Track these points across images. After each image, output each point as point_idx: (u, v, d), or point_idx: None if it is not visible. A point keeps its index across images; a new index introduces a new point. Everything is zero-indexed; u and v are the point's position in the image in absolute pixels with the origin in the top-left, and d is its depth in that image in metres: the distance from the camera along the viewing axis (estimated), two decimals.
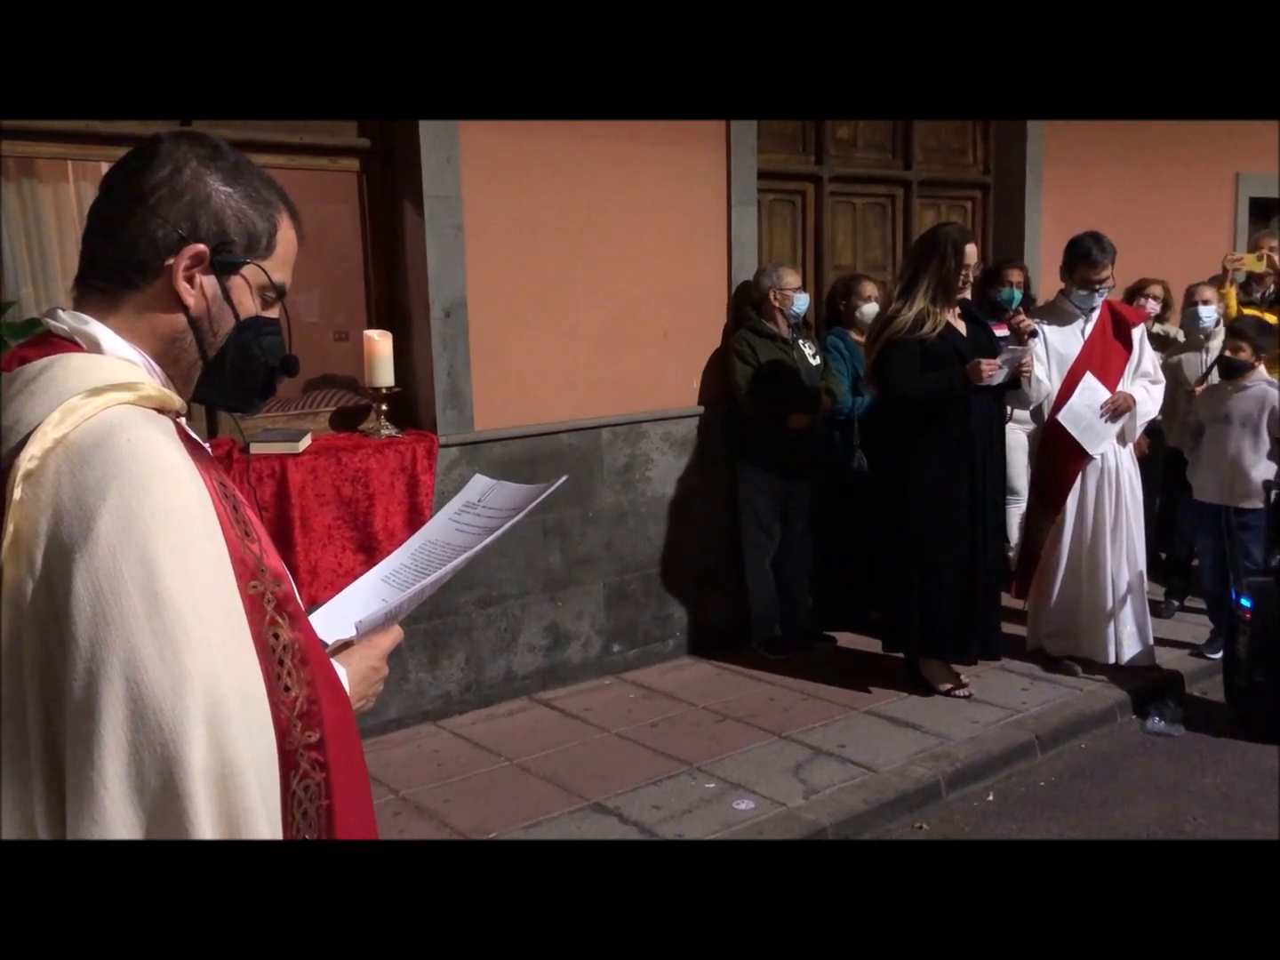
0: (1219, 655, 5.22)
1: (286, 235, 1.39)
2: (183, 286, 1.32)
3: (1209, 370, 5.75)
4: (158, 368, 1.34)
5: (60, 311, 1.33)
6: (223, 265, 1.33)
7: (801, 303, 5.39)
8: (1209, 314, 5.96)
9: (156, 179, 1.30)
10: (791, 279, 5.41)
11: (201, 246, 1.31)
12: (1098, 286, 5.07)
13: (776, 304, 5.36)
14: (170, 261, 1.31)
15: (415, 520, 4.44)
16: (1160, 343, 6.17)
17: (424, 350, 4.73)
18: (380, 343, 4.52)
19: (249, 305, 1.37)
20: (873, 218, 6.57)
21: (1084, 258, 5.05)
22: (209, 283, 1.33)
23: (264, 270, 1.37)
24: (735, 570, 5.60)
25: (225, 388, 1.41)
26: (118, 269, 1.31)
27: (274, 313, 1.42)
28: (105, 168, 1.40)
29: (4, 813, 1.15)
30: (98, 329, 1.30)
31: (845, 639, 5.74)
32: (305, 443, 4.33)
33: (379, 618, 1.53)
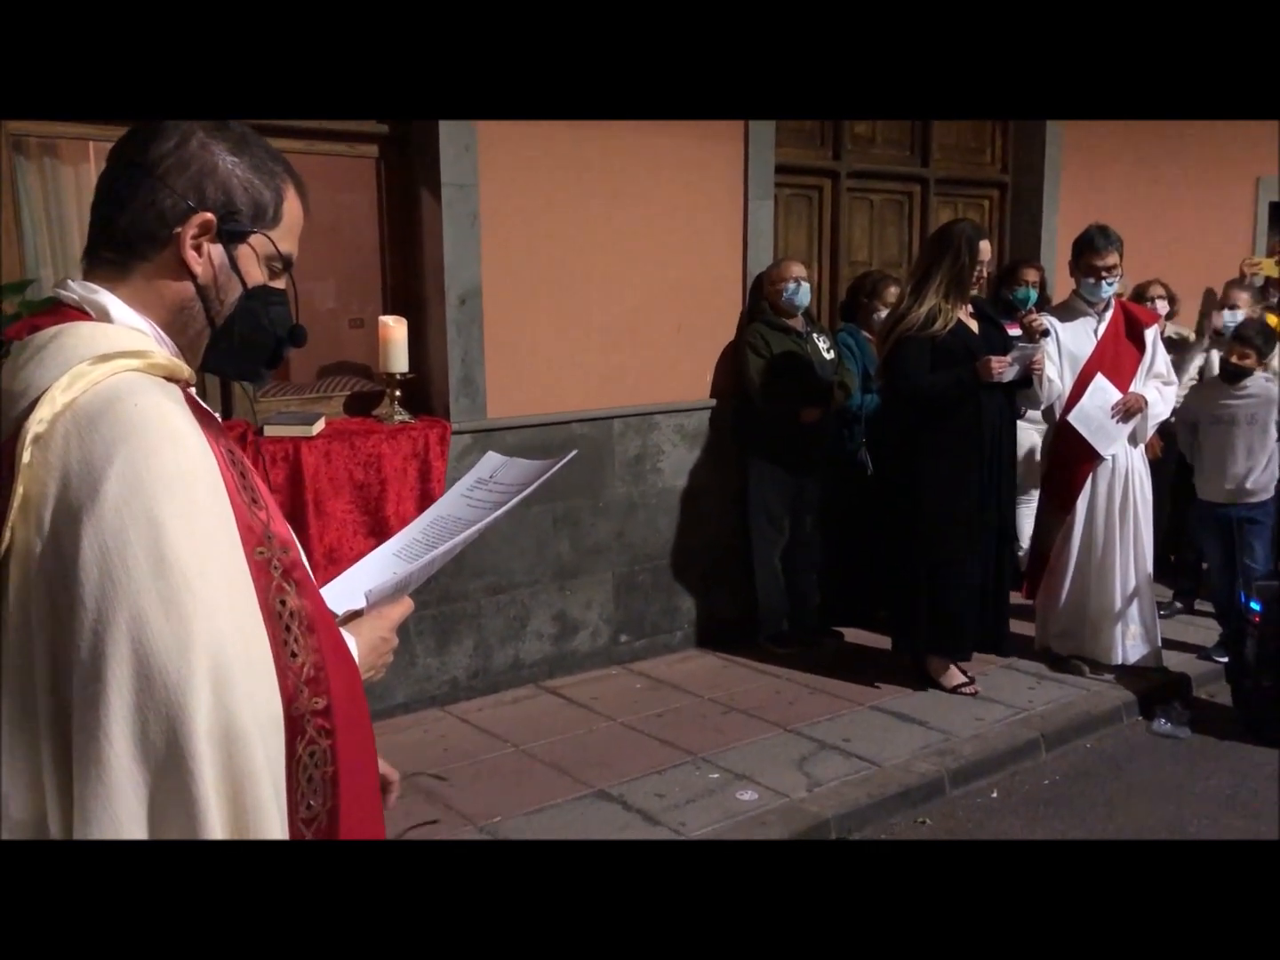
0: (1226, 658, 5.22)
1: (292, 206, 1.41)
2: (190, 255, 1.33)
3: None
4: (167, 337, 1.36)
5: (70, 281, 1.34)
6: (230, 234, 1.35)
7: (794, 291, 5.33)
8: (1232, 319, 5.92)
9: (164, 149, 1.32)
10: (790, 269, 5.37)
11: (209, 215, 1.33)
12: (1104, 274, 5.03)
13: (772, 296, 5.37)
14: (178, 231, 1.32)
15: (427, 506, 4.37)
16: (1173, 345, 6.13)
17: (438, 337, 4.75)
18: (395, 329, 4.54)
19: (256, 274, 1.38)
20: (890, 214, 6.56)
21: (1088, 245, 5.04)
22: (216, 252, 1.35)
23: (271, 240, 1.38)
24: (744, 563, 5.60)
25: (233, 356, 1.42)
26: (126, 239, 1.33)
27: (281, 283, 1.43)
28: None
29: (12, 773, 1.16)
30: (107, 298, 1.32)
31: (853, 634, 5.73)
32: (319, 426, 4.35)
33: (389, 588, 1.54)
